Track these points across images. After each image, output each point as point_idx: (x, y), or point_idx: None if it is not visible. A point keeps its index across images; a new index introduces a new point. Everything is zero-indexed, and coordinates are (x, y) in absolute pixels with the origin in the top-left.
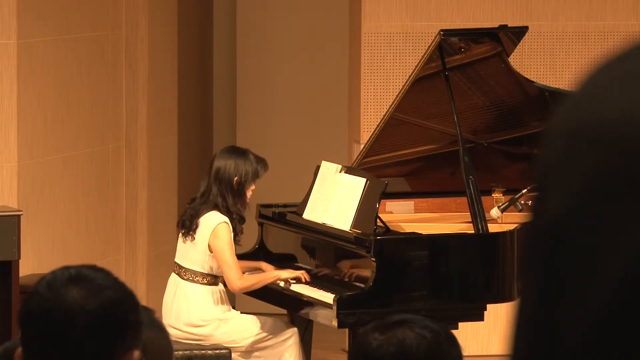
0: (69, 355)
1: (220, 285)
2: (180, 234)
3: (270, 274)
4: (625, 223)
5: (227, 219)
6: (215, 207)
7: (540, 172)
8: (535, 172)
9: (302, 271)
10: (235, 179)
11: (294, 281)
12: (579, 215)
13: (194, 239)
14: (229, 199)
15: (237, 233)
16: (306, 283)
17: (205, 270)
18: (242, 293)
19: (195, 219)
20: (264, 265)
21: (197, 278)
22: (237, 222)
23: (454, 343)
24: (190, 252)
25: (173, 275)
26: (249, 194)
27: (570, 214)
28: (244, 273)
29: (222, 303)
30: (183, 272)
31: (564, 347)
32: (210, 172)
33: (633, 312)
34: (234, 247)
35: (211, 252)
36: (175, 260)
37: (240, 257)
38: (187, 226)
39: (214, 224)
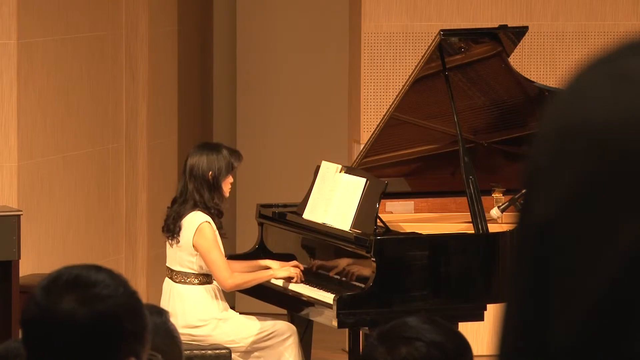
0: None
1: (214, 283)
2: (167, 239)
3: (265, 273)
4: (614, 225)
5: (209, 219)
6: (195, 206)
7: (530, 173)
8: (525, 173)
9: (296, 263)
10: (210, 173)
11: (292, 280)
12: (568, 217)
13: (179, 241)
14: (205, 194)
15: (218, 227)
16: (306, 283)
17: (196, 270)
18: (236, 290)
19: (177, 222)
20: (270, 262)
21: (189, 279)
22: (216, 217)
23: (463, 352)
24: (178, 255)
25: (166, 280)
26: (227, 187)
27: (560, 215)
28: (249, 272)
29: (218, 301)
30: (175, 275)
31: (551, 348)
32: (185, 171)
33: (621, 314)
34: (221, 244)
35: (197, 251)
36: (167, 264)
37: (245, 256)
38: (172, 230)
39: (196, 225)
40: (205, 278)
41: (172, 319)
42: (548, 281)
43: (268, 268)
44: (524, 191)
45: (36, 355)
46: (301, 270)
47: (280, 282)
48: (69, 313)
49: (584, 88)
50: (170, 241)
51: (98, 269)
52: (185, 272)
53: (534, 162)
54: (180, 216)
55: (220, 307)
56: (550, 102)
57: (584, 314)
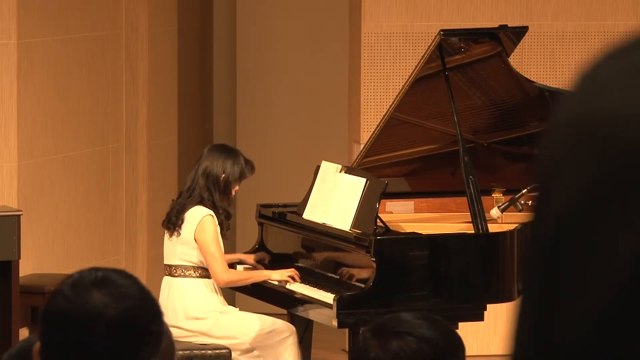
0: (84, 358)
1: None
2: (165, 232)
3: (261, 273)
4: (629, 222)
5: (212, 212)
6: (201, 202)
7: (543, 167)
8: (537, 167)
9: (293, 273)
10: (223, 176)
11: (288, 280)
12: (582, 213)
13: (180, 234)
14: (216, 194)
15: (223, 228)
16: (305, 283)
17: (196, 264)
18: (236, 291)
19: (180, 215)
20: (244, 257)
21: (188, 272)
22: (224, 218)
23: (454, 351)
24: (179, 248)
25: (165, 278)
26: (232, 194)
27: (573, 211)
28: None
29: (218, 295)
30: (174, 270)
31: (563, 348)
32: (197, 167)
33: (634, 314)
34: (221, 241)
35: (197, 244)
36: (164, 262)
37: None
38: (173, 222)
39: (199, 218)
40: (205, 272)
41: (172, 313)
42: (561, 279)
43: (242, 260)
44: (537, 186)
45: (58, 351)
46: (297, 276)
47: (280, 282)
48: (98, 309)
49: (599, 81)
50: (169, 234)
51: (122, 273)
52: (185, 266)
53: (547, 155)
54: (183, 210)
55: (221, 300)
56: (565, 95)
57: (596, 314)
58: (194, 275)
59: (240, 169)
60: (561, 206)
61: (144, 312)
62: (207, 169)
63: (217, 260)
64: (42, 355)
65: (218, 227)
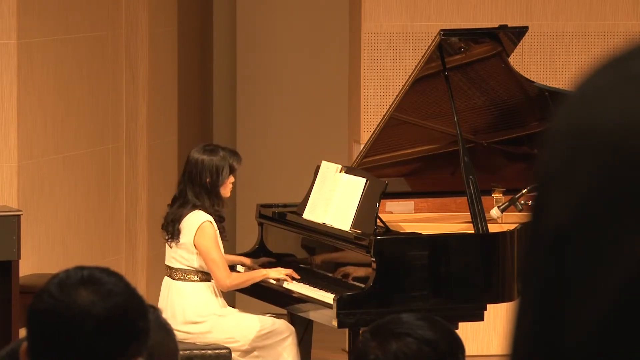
0: (73, 356)
1: (213, 281)
2: (165, 240)
3: (259, 272)
4: (628, 233)
5: (210, 218)
6: (195, 207)
7: (542, 177)
8: (536, 176)
9: (290, 271)
10: (208, 180)
11: (285, 280)
12: (581, 224)
13: (179, 240)
14: (205, 201)
15: (220, 232)
16: (305, 283)
17: (196, 267)
18: (230, 290)
19: (176, 225)
20: (244, 259)
21: (188, 276)
22: (217, 222)
23: (454, 352)
24: (178, 253)
25: (165, 279)
26: (228, 187)
27: (573, 221)
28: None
29: (218, 298)
30: (174, 273)
31: (563, 353)
32: (184, 174)
33: (633, 321)
34: (221, 244)
35: (197, 250)
36: (166, 263)
37: (245, 256)
38: (171, 231)
39: (197, 223)
40: (205, 275)
41: (171, 317)
42: (560, 286)
43: (242, 263)
44: (536, 195)
45: (45, 350)
46: (294, 276)
47: (279, 282)
48: (86, 307)
49: (597, 90)
50: (169, 242)
51: (107, 271)
52: (185, 269)
53: (545, 165)
54: (179, 219)
55: (220, 304)
56: (562, 103)
57: (599, 318)
58: (195, 279)
59: (222, 164)
60: (561, 215)
61: (131, 309)
62: (190, 175)
63: (219, 266)
64: (30, 355)
65: (217, 232)
